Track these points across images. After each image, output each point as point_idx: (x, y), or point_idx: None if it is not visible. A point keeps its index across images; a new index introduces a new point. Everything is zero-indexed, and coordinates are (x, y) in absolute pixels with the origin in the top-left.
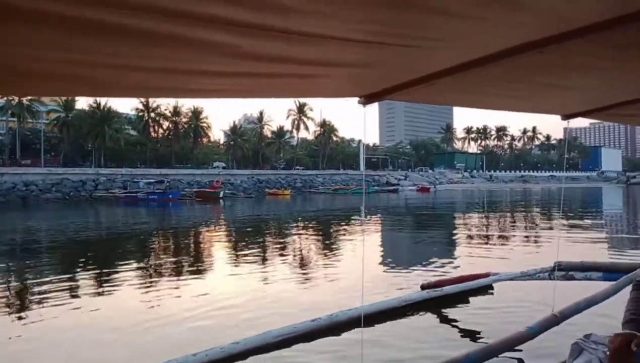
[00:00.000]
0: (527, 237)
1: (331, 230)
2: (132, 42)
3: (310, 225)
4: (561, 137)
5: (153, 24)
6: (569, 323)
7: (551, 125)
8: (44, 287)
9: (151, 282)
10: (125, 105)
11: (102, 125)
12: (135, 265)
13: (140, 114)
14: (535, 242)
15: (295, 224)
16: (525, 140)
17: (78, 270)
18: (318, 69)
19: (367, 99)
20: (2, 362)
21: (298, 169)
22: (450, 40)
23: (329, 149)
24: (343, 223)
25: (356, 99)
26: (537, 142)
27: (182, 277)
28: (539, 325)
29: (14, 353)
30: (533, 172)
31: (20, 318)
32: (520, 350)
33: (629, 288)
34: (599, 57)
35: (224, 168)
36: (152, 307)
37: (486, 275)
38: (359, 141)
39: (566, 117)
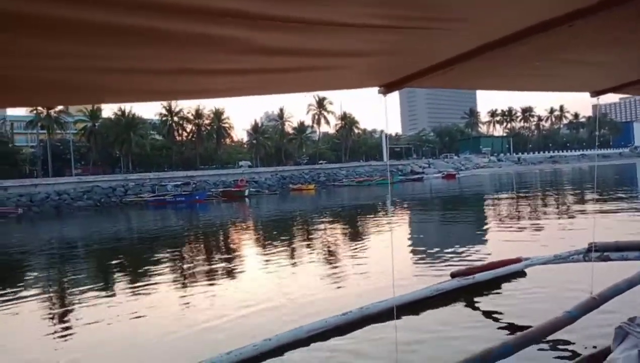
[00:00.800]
0: (558, 218)
1: (358, 222)
2: (142, 45)
3: (336, 218)
4: (590, 115)
5: (162, 23)
6: (610, 306)
7: (579, 103)
8: (97, 291)
9: (194, 282)
10: (150, 111)
11: (128, 131)
12: (170, 267)
13: (164, 118)
14: (568, 223)
15: (321, 218)
16: (553, 119)
17: (130, 273)
18: (336, 60)
19: (387, 88)
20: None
21: (321, 163)
22: (472, 20)
23: (351, 142)
24: (369, 215)
25: (376, 89)
26: (565, 121)
27: (220, 278)
28: (578, 309)
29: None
30: (562, 151)
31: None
32: (560, 336)
33: None
34: (629, 30)
35: (249, 166)
36: (209, 299)
37: (518, 260)
38: (381, 131)
39: (596, 93)
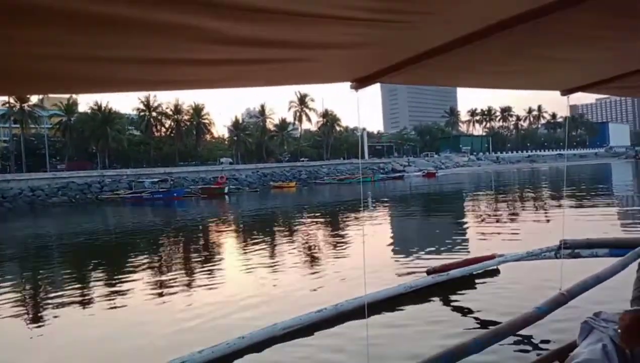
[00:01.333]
0: (532, 217)
1: (337, 220)
2: (103, 32)
3: (316, 216)
4: (567, 115)
5: (125, 9)
6: (578, 302)
7: (557, 104)
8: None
9: (167, 282)
10: (127, 106)
11: (104, 126)
12: (142, 264)
13: (142, 113)
14: (542, 221)
15: (300, 216)
16: (531, 119)
17: (115, 273)
18: (305, 53)
19: (359, 83)
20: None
21: (303, 161)
22: (442, 13)
23: (333, 139)
24: (349, 212)
25: (348, 84)
26: (543, 121)
27: (194, 278)
28: (547, 305)
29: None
30: (540, 151)
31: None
32: (529, 331)
33: (637, 263)
34: (599, 27)
35: (230, 163)
36: (183, 299)
37: (492, 257)
38: (363, 129)
39: (566, 92)
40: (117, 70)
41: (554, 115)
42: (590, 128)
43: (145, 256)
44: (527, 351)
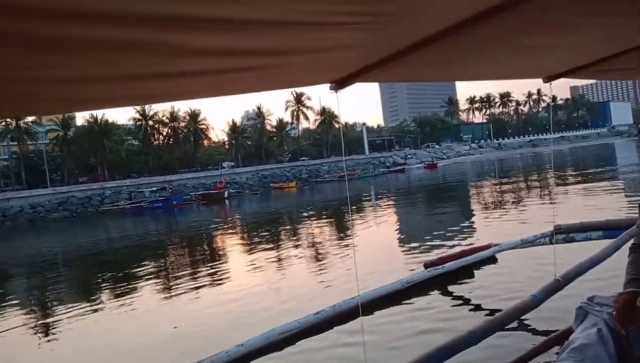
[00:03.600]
0: (532, 202)
1: (336, 218)
2: (70, 53)
3: (314, 215)
4: (568, 97)
5: (92, 30)
6: (573, 287)
7: (556, 87)
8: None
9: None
10: (124, 116)
11: (101, 138)
12: (146, 272)
13: (138, 123)
14: (543, 206)
15: (298, 216)
16: (532, 103)
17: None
18: (283, 59)
19: (338, 85)
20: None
21: (303, 160)
22: (414, 12)
23: (332, 136)
24: (347, 209)
25: (327, 85)
26: (543, 105)
27: (197, 284)
28: (543, 292)
29: None
30: (542, 135)
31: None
32: (527, 320)
33: (629, 246)
34: (573, 13)
35: (232, 167)
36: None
37: (488, 246)
38: (363, 125)
39: (548, 79)
40: (104, 88)
41: (554, 98)
42: (591, 108)
43: (146, 265)
44: (525, 340)
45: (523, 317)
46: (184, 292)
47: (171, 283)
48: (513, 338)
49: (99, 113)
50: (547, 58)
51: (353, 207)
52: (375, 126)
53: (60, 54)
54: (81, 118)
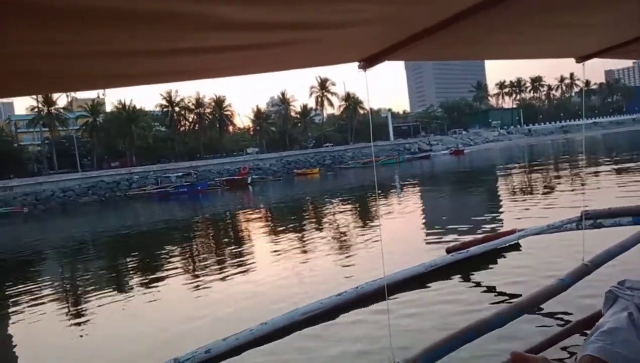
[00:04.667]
0: (559, 189)
1: (361, 204)
2: (103, 27)
3: (337, 201)
4: (602, 81)
5: (128, 4)
6: (602, 272)
7: (590, 70)
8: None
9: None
10: (152, 102)
11: (129, 124)
12: (170, 256)
13: (165, 109)
14: (568, 193)
15: (319, 202)
16: (564, 88)
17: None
18: (308, 33)
19: (367, 63)
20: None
21: (327, 146)
22: None
23: (357, 122)
24: (372, 196)
25: (356, 64)
26: (576, 89)
27: (221, 270)
28: (570, 276)
29: None
30: (574, 120)
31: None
32: (554, 304)
33: None
34: None
35: (257, 153)
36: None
37: (512, 232)
38: (388, 110)
39: (581, 59)
40: (127, 64)
41: (587, 83)
42: (627, 93)
43: (171, 247)
44: (552, 323)
45: (550, 301)
46: (210, 276)
47: (196, 268)
48: (540, 321)
49: (127, 99)
50: (582, 36)
51: (377, 193)
52: (400, 112)
53: (72, 29)
54: (110, 104)
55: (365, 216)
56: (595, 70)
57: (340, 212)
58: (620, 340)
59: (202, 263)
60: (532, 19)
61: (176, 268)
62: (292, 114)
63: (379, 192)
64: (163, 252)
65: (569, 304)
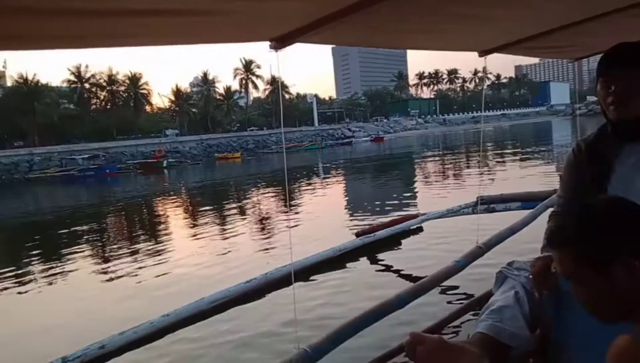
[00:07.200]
0: (463, 175)
1: (278, 189)
2: None
3: (254, 186)
4: (512, 76)
5: None
6: (494, 253)
7: (502, 66)
8: None
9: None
10: (58, 78)
11: (32, 101)
12: (73, 247)
13: (74, 85)
14: (471, 178)
15: (238, 187)
16: (477, 81)
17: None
18: (218, 4)
19: (278, 43)
20: None
21: (251, 130)
22: None
23: (283, 107)
24: (290, 181)
25: (267, 43)
26: (488, 83)
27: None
28: (465, 258)
29: None
30: (485, 112)
31: None
32: (451, 284)
33: (546, 215)
34: None
35: (177, 135)
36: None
37: (416, 216)
38: (314, 96)
39: (484, 53)
40: (35, 24)
41: (498, 76)
42: (533, 87)
43: (71, 236)
44: (449, 302)
45: (447, 282)
46: (113, 267)
47: (100, 259)
48: (438, 301)
49: (30, 73)
50: (483, 31)
51: (296, 178)
52: (327, 98)
53: None
54: (10, 79)
55: (283, 202)
56: (507, 66)
57: (256, 197)
58: (508, 317)
59: (107, 254)
60: (439, 10)
61: (75, 260)
62: (217, 96)
63: (300, 176)
64: (63, 240)
65: (465, 284)
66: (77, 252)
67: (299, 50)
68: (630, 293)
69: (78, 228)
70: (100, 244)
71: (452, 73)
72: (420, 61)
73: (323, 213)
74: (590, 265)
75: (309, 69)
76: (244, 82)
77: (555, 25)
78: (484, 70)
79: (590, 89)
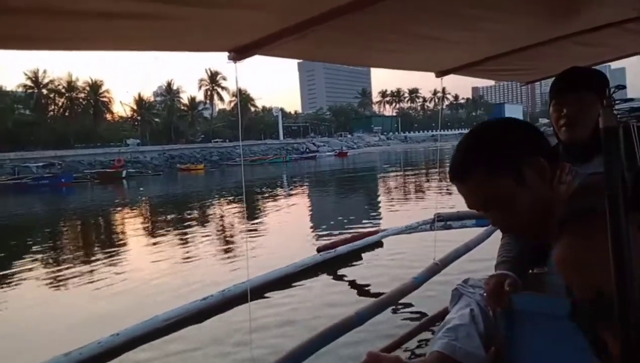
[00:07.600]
0: (422, 192)
1: (239, 203)
2: None
3: (214, 199)
4: (469, 97)
5: None
6: (450, 269)
7: (460, 87)
8: None
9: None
10: (13, 83)
11: None
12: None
13: (30, 91)
14: (430, 195)
15: (197, 200)
16: (436, 100)
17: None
18: (174, 8)
19: (237, 54)
20: None
21: (216, 142)
22: None
23: (247, 119)
24: (251, 195)
25: (226, 54)
26: (447, 102)
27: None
28: (422, 275)
29: None
30: (444, 131)
31: None
32: (408, 301)
33: (499, 232)
34: (475, 5)
35: (138, 144)
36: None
37: (375, 232)
38: (280, 110)
39: (440, 73)
40: None
41: (456, 97)
42: (488, 108)
43: (18, 247)
44: (407, 319)
45: (405, 298)
46: (61, 282)
47: (49, 272)
48: (396, 318)
49: None
50: (439, 52)
51: (259, 191)
52: (293, 112)
53: None
54: None
55: (248, 215)
56: (466, 87)
57: (216, 211)
58: (463, 335)
59: (56, 266)
60: (398, 28)
61: (22, 271)
62: (181, 106)
63: (264, 190)
64: (9, 252)
65: (422, 301)
66: (18, 265)
67: (265, 64)
68: (544, 190)
69: (23, 239)
70: (44, 258)
71: (413, 92)
72: (383, 79)
73: (285, 228)
74: (505, 175)
75: (275, 83)
76: (209, 93)
77: (508, 49)
78: (443, 90)
79: (543, 111)
